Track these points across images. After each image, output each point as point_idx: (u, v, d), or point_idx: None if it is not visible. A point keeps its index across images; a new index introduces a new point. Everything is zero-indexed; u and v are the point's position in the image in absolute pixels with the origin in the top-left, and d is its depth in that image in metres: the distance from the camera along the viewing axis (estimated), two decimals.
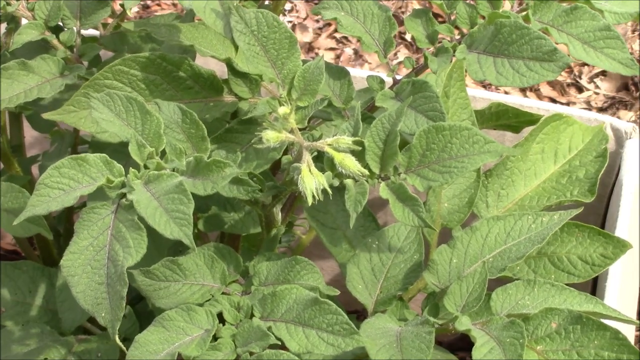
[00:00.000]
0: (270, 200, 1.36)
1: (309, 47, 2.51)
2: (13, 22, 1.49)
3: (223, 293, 1.32)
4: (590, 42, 1.31)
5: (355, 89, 1.38)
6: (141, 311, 1.52)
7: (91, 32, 1.56)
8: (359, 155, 1.25)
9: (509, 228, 1.36)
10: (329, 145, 1.24)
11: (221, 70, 1.43)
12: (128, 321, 1.50)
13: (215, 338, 1.26)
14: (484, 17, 1.35)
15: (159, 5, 2.59)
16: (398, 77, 1.37)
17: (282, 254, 1.39)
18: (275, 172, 1.48)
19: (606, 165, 1.56)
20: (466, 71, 1.33)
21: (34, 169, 1.70)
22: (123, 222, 1.18)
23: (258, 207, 1.37)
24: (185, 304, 1.27)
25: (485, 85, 2.39)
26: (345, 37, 2.53)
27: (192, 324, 1.26)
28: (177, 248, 1.46)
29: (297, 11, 2.57)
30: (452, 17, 1.36)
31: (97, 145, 1.48)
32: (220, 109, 1.39)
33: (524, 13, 1.34)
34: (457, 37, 1.36)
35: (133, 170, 1.21)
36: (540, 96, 2.40)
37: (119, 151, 1.36)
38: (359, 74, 1.65)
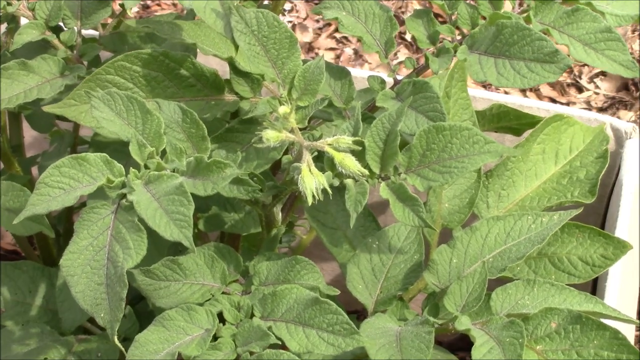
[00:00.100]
0: (270, 200, 1.36)
1: (309, 47, 2.51)
2: (13, 22, 1.48)
3: (223, 293, 1.32)
4: (591, 43, 1.31)
5: (355, 89, 1.38)
6: (141, 311, 1.52)
7: (90, 32, 1.56)
8: (359, 155, 1.25)
9: (508, 228, 1.36)
10: (329, 145, 1.24)
11: (222, 69, 1.43)
12: (128, 321, 1.50)
13: (215, 338, 1.26)
14: (485, 18, 1.35)
15: (159, 5, 2.59)
16: (399, 78, 1.37)
17: (283, 254, 1.39)
18: (276, 172, 1.48)
19: (606, 165, 1.56)
20: (467, 72, 1.33)
21: (34, 169, 1.70)
22: (123, 223, 1.18)
23: (258, 207, 1.37)
24: (185, 303, 1.27)
25: (486, 85, 2.39)
26: (345, 37, 2.53)
27: (192, 323, 1.26)
28: (178, 247, 1.46)
29: (297, 11, 2.57)
30: (453, 18, 1.36)
31: (97, 144, 1.48)
32: (221, 108, 1.39)
33: (525, 14, 1.34)
34: (458, 37, 1.36)
35: (133, 170, 1.21)
36: (540, 96, 2.40)
37: (119, 150, 1.36)
38: (360, 74, 1.65)
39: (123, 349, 1.24)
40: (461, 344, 1.85)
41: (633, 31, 2.47)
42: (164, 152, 1.25)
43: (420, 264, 1.37)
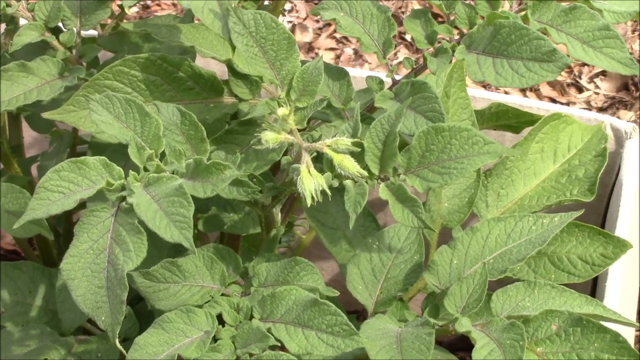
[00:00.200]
0: (270, 201, 1.36)
1: (309, 48, 2.51)
2: (12, 23, 1.48)
3: (222, 294, 1.32)
4: (590, 41, 1.31)
5: (354, 90, 1.38)
6: (141, 311, 1.52)
7: (90, 32, 1.55)
8: (358, 156, 1.25)
9: (509, 229, 1.36)
10: (328, 146, 1.24)
11: (221, 71, 1.43)
12: (128, 321, 1.50)
13: (214, 339, 1.26)
14: (483, 18, 1.35)
15: (158, 5, 2.59)
16: (397, 78, 1.37)
17: (282, 255, 1.39)
18: (275, 173, 1.48)
19: (606, 164, 1.56)
20: (466, 72, 1.33)
21: (33, 169, 1.70)
22: (123, 226, 1.18)
23: (258, 207, 1.37)
24: (184, 305, 1.27)
25: (486, 85, 2.39)
26: (345, 38, 2.53)
27: (192, 325, 1.26)
28: (177, 249, 1.46)
29: (297, 11, 2.57)
30: (451, 18, 1.36)
31: (96, 147, 1.48)
32: (220, 110, 1.39)
33: (522, 13, 1.34)
34: (457, 37, 1.36)
35: (133, 173, 1.21)
36: (540, 96, 2.40)
37: (118, 152, 1.36)
38: (359, 75, 1.65)
39: (124, 351, 1.24)
40: (461, 344, 1.85)
41: (633, 31, 2.47)
42: (163, 155, 1.25)
43: (420, 265, 1.37)
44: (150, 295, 1.30)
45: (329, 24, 2.53)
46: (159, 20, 1.52)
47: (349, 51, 2.50)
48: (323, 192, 1.23)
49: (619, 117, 2.31)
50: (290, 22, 2.54)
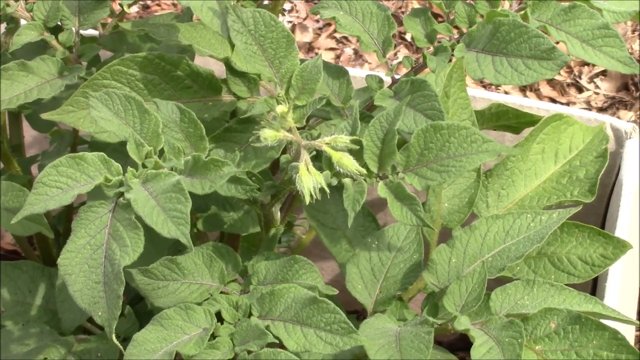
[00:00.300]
0: (269, 199, 1.36)
1: (309, 47, 2.51)
2: (12, 22, 1.49)
3: (222, 292, 1.32)
4: (589, 40, 1.31)
5: (354, 89, 1.38)
6: (141, 311, 1.52)
7: (90, 32, 1.56)
8: (357, 154, 1.25)
9: (507, 227, 1.35)
10: (327, 144, 1.24)
11: (220, 70, 1.43)
12: (128, 321, 1.50)
13: (213, 337, 1.26)
14: (482, 16, 1.35)
15: (158, 5, 2.59)
16: (397, 77, 1.37)
17: (281, 254, 1.39)
18: (275, 172, 1.48)
19: (606, 165, 1.56)
20: (465, 70, 1.33)
21: (33, 169, 1.70)
22: (121, 221, 1.18)
23: (257, 206, 1.37)
24: (183, 302, 1.27)
25: (485, 85, 2.39)
26: (345, 37, 2.53)
27: (191, 322, 1.26)
28: (177, 247, 1.46)
29: (297, 11, 2.57)
30: (451, 17, 1.36)
31: (96, 146, 1.48)
32: (219, 108, 1.39)
33: (522, 12, 1.34)
34: (456, 36, 1.36)
35: (131, 169, 1.21)
36: (540, 96, 2.40)
37: (117, 150, 1.36)
38: (359, 74, 1.65)
39: (121, 347, 1.24)
40: (461, 344, 1.84)
41: (633, 31, 2.47)
42: (161, 152, 1.25)
43: (419, 264, 1.37)
44: (149, 293, 1.30)
45: (329, 24, 2.53)
46: (159, 19, 1.53)
47: (349, 51, 2.50)
48: (322, 190, 1.23)
49: (619, 117, 2.31)
50: (290, 22, 2.55)
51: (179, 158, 1.23)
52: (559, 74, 2.40)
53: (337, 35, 2.54)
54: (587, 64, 2.43)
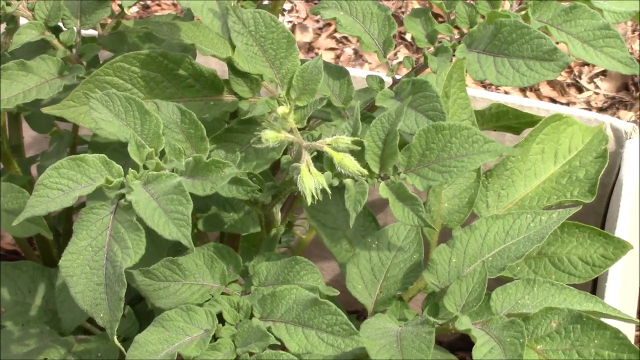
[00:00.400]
0: (269, 200, 1.36)
1: (309, 47, 2.51)
2: (12, 22, 1.48)
3: (223, 293, 1.32)
4: (590, 40, 1.31)
5: (354, 89, 1.38)
6: (141, 311, 1.52)
7: (90, 32, 1.56)
8: (359, 155, 1.25)
9: (507, 227, 1.36)
10: (328, 145, 1.24)
11: (222, 70, 1.43)
12: (128, 321, 1.50)
13: (214, 338, 1.26)
14: (483, 17, 1.35)
15: (159, 5, 2.59)
16: (398, 77, 1.37)
17: (282, 254, 1.39)
18: (275, 172, 1.48)
19: (606, 165, 1.56)
20: (466, 71, 1.33)
21: (33, 169, 1.70)
22: (122, 223, 1.18)
23: (258, 207, 1.37)
24: (184, 304, 1.27)
25: (486, 85, 2.39)
26: (346, 37, 2.53)
27: (192, 324, 1.25)
28: (177, 248, 1.46)
29: (297, 11, 2.57)
30: (452, 17, 1.36)
31: (96, 146, 1.48)
32: (220, 109, 1.39)
33: (523, 12, 1.34)
34: (457, 36, 1.36)
35: (132, 170, 1.21)
36: (540, 96, 2.40)
37: (118, 151, 1.36)
38: (359, 74, 1.65)
39: (123, 349, 1.24)
40: (461, 344, 1.84)
41: (633, 31, 2.47)
42: (162, 153, 1.25)
43: (419, 264, 1.37)
44: (150, 294, 1.30)
45: (329, 24, 2.53)
46: (159, 19, 1.53)
47: (349, 51, 2.50)
48: (323, 190, 1.23)
49: (619, 117, 2.31)
50: (290, 22, 2.55)
51: (180, 159, 1.23)
52: (560, 74, 2.40)
53: (337, 35, 2.54)
54: (587, 64, 2.43)
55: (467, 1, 1.36)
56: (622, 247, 1.45)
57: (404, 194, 1.24)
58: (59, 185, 1.20)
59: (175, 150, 1.24)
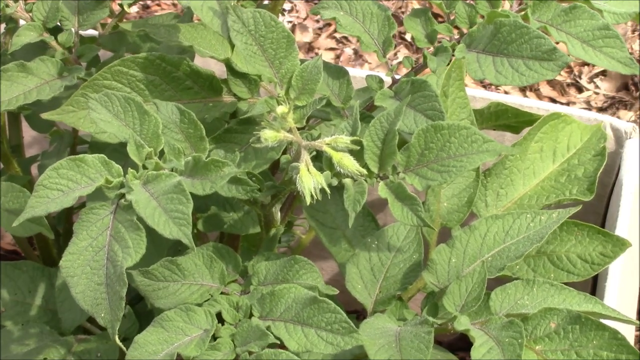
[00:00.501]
0: (269, 199, 1.36)
1: (309, 47, 2.51)
2: (12, 23, 1.49)
3: (222, 293, 1.32)
4: (589, 41, 1.31)
5: (354, 89, 1.38)
6: (141, 311, 1.52)
7: (90, 32, 1.56)
8: (358, 154, 1.25)
9: (507, 227, 1.36)
10: (328, 144, 1.24)
11: (220, 71, 1.43)
12: (128, 321, 1.50)
13: (214, 338, 1.26)
14: (483, 17, 1.35)
15: (159, 5, 2.59)
16: (397, 77, 1.37)
17: (282, 254, 1.39)
18: (275, 172, 1.48)
19: (605, 164, 1.56)
20: (466, 70, 1.33)
21: (33, 169, 1.70)
22: (122, 223, 1.18)
23: (257, 206, 1.37)
24: (184, 304, 1.27)
25: (485, 85, 2.39)
26: (345, 37, 2.53)
27: (191, 324, 1.26)
28: (177, 248, 1.46)
29: (297, 11, 2.57)
30: (451, 17, 1.36)
31: (96, 146, 1.48)
32: (219, 109, 1.39)
33: (523, 12, 1.34)
34: (456, 36, 1.36)
35: (131, 170, 1.21)
36: (540, 96, 2.40)
37: (118, 151, 1.36)
38: (359, 74, 1.65)
39: (124, 348, 1.24)
40: (461, 344, 1.84)
41: (633, 31, 2.47)
42: (162, 153, 1.25)
43: (419, 264, 1.37)
44: (149, 294, 1.30)
45: (329, 24, 2.53)
46: (159, 19, 1.53)
47: (349, 51, 2.50)
48: (322, 190, 1.23)
49: (619, 117, 2.31)
50: (290, 22, 2.55)
51: (179, 159, 1.23)
52: (559, 74, 2.40)
53: (337, 35, 2.54)
54: (587, 64, 2.43)
55: (467, 1, 1.36)
56: (620, 244, 1.45)
57: (403, 194, 1.24)
58: (59, 186, 1.20)
59: (175, 150, 1.24)
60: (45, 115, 1.39)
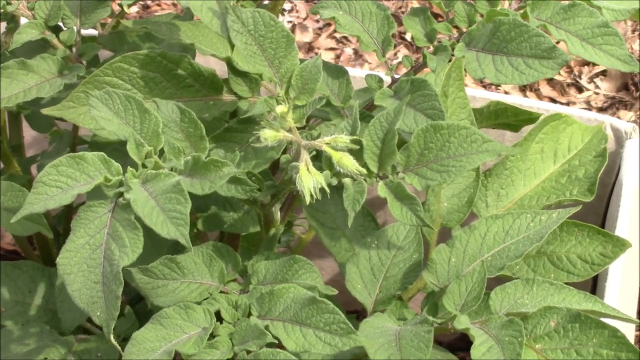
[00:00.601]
0: (269, 199, 1.36)
1: (309, 47, 2.51)
2: (13, 21, 1.49)
3: (221, 292, 1.32)
4: (589, 38, 1.31)
5: (353, 88, 1.38)
6: (141, 311, 1.52)
7: (90, 31, 1.56)
8: (357, 154, 1.25)
9: (507, 227, 1.36)
10: (327, 144, 1.24)
11: (221, 70, 1.43)
12: (128, 321, 1.50)
13: (212, 336, 1.26)
14: (482, 15, 1.35)
15: (159, 5, 2.60)
16: (397, 76, 1.37)
17: (281, 254, 1.39)
18: (274, 172, 1.48)
19: (606, 165, 1.56)
20: (465, 70, 1.33)
21: (33, 169, 1.70)
22: (120, 221, 1.18)
23: (257, 206, 1.37)
24: (183, 302, 1.27)
25: (485, 85, 2.39)
26: (345, 37, 2.53)
27: (190, 322, 1.26)
28: (177, 247, 1.46)
29: (297, 11, 2.57)
30: (451, 16, 1.36)
31: (96, 146, 1.48)
32: (219, 108, 1.39)
33: (522, 10, 1.34)
34: (456, 35, 1.36)
35: (131, 169, 1.21)
36: (540, 96, 2.40)
37: (117, 150, 1.36)
38: (358, 74, 1.65)
39: (119, 347, 1.24)
40: (461, 344, 1.84)
41: (633, 31, 2.47)
42: (162, 152, 1.25)
43: (419, 263, 1.37)
44: (149, 292, 1.30)
45: (329, 24, 2.53)
46: (159, 19, 1.53)
47: (348, 51, 2.50)
48: (322, 190, 1.23)
49: (619, 117, 2.31)
50: (290, 22, 2.55)
51: (179, 158, 1.23)
52: (559, 73, 2.40)
53: (337, 35, 2.54)
54: (587, 64, 2.43)
55: (466, 0, 1.36)
56: (620, 245, 1.45)
57: (403, 194, 1.24)
58: (58, 183, 1.20)
59: (175, 149, 1.24)
60: (45, 111, 1.39)
